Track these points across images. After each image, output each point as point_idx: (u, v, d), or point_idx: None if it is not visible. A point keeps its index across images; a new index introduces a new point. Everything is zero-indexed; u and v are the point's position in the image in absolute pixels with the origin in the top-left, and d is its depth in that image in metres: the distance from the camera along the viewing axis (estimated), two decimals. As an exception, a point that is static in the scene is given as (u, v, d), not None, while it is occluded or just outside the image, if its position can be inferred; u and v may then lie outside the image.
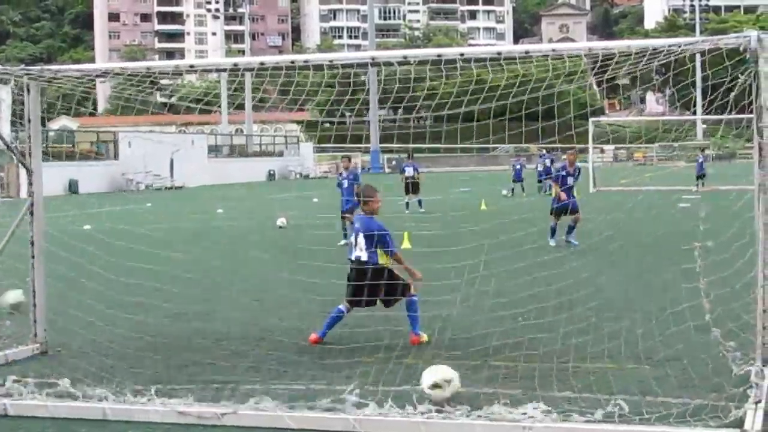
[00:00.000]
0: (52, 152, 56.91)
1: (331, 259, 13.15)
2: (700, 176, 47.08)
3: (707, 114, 65.57)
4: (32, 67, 10.64)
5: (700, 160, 48.62)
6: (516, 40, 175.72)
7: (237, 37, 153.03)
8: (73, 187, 58.95)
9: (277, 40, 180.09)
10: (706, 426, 7.08)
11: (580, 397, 8.05)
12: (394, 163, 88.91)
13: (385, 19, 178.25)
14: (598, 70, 9.58)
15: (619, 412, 7.40)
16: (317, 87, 10.94)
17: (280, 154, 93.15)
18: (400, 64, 10.29)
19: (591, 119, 53.92)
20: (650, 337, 10.08)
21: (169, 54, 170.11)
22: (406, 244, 19.79)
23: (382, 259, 10.52)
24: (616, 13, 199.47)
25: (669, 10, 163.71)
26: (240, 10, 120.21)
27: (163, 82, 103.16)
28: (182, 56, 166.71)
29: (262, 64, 9.98)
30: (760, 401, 7.40)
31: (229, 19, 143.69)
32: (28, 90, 10.51)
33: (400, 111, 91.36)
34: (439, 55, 9.67)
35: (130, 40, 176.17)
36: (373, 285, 10.33)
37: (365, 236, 10.51)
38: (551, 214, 21.14)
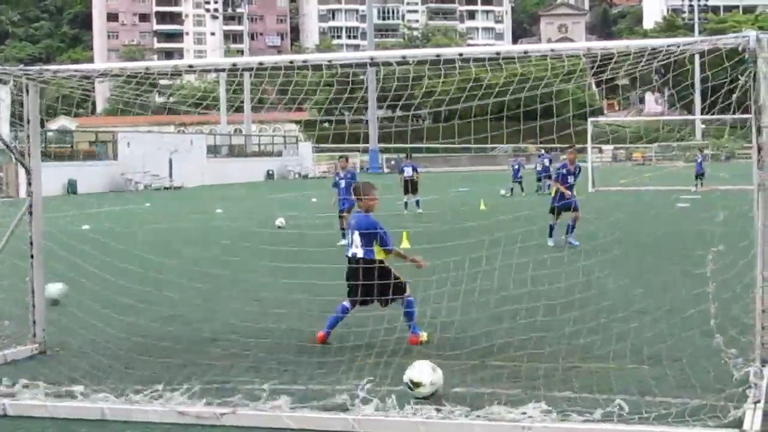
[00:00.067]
0: (51, 152, 56.89)
1: (331, 259, 13.15)
2: (699, 176, 47.15)
3: (706, 114, 65.60)
4: (31, 67, 10.64)
5: (699, 160, 48.70)
6: (515, 40, 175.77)
7: (236, 37, 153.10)
8: (71, 187, 58.92)
9: (276, 40, 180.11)
10: (705, 426, 7.08)
11: (579, 397, 8.05)
12: (392, 163, 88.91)
13: (383, 19, 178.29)
14: (597, 70, 9.58)
15: (618, 412, 7.40)
16: (316, 87, 10.94)
17: (279, 154, 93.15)
18: (398, 64, 10.30)
19: (590, 119, 53.93)
20: (649, 337, 10.08)
21: (168, 54, 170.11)
22: (405, 244, 19.79)
23: (379, 256, 10.52)
24: (614, 13, 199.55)
25: (668, 10, 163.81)
26: (239, 10, 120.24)
27: (162, 82, 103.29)
28: (181, 56, 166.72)
29: (260, 64, 9.98)
30: (759, 401, 7.41)
31: (228, 19, 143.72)
32: (27, 90, 10.51)
33: (398, 111, 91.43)
34: (438, 55, 9.67)
35: (128, 40, 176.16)
36: (370, 281, 10.32)
37: (361, 234, 10.51)
38: (551, 212, 21.12)
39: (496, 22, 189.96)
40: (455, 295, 11.83)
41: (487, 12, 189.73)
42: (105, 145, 69.35)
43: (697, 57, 9.33)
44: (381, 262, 10.52)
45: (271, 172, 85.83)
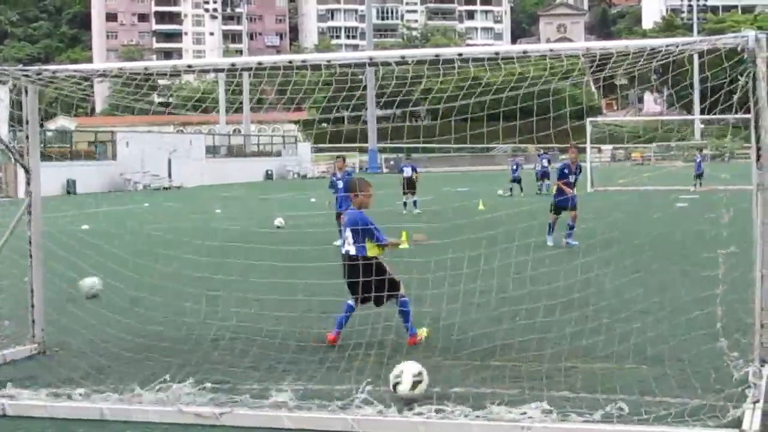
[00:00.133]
0: (50, 152, 56.88)
1: (329, 259, 13.13)
2: (698, 176, 47.18)
3: (705, 114, 65.65)
4: (30, 67, 10.64)
5: (698, 160, 48.74)
6: (514, 40, 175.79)
7: (235, 37, 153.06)
8: (70, 187, 58.90)
9: (275, 40, 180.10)
10: (704, 426, 7.08)
11: (578, 397, 8.06)
12: (391, 162, 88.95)
13: (382, 19, 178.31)
14: (596, 70, 9.58)
15: (617, 412, 7.40)
16: (315, 87, 10.93)
17: (278, 154, 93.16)
18: (398, 64, 10.29)
19: (589, 119, 53.93)
20: (649, 337, 10.08)
21: (167, 54, 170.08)
22: (404, 244, 19.79)
23: (371, 252, 10.50)
24: (614, 13, 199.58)
25: (667, 10, 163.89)
26: (238, 10, 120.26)
27: (161, 82, 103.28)
28: (180, 56, 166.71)
29: (259, 64, 9.97)
30: (758, 401, 7.41)
31: (227, 19, 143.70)
32: (26, 91, 10.50)
33: (397, 111, 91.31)
34: (437, 55, 9.66)
35: (127, 40, 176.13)
36: (365, 278, 10.30)
37: (353, 230, 10.50)
38: (551, 211, 21.11)
39: (495, 22, 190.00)
40: (455, 295, 11.83)
41: (486, 12, 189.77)
42: (104, 145, 69.31)
43: (696, 57, 9.34)
44: (375, 258, 10.50)
45: (270, 172, 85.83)
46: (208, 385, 8.67)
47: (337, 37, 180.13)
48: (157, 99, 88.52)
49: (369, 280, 10.29)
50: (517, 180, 45.78)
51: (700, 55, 8.94)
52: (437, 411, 7.65)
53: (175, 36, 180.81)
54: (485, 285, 12.24)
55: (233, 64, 10.46)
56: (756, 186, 8.30)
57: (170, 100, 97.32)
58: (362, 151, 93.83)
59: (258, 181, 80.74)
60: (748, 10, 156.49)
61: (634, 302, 12.30)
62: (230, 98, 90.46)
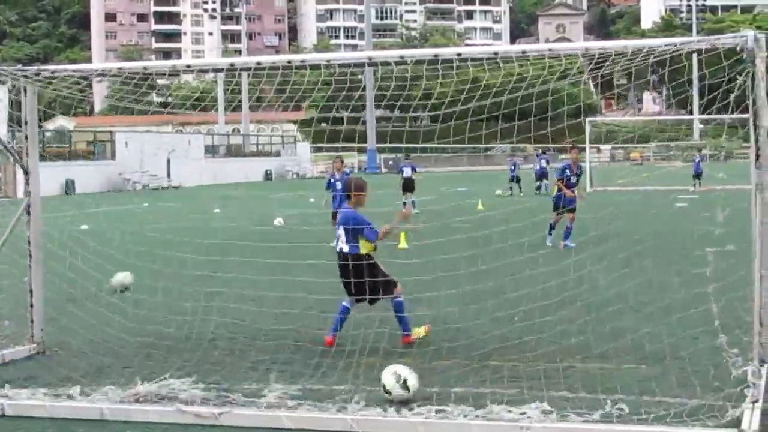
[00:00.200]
0: (49, 152, 56.85)
1: (328, 258, 13.14)
2: (697, 176, 47.21)
3: (704, 114, 65.68)
4: (29, 67, 10.63)
5: (697, 160, 48.80)
6: (513, 40, 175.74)
7: (234, 36, 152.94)
8: (69, 187, 58.87)
9: (274, 40, 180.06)
10: (703, 426, 7.09)
11: (578, 397, 8.06)
12: (390, 162, 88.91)
13: (381, 19, 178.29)
14: (595, 68, 9.59)
15: (617, 412, 7.41)
16: (314, 86, 10.94)
17: (277, 154, 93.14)
18: (397, 64, 10.29)
19: (588, 119, 53.92)
20: (648, 336, 10.08)
21: (166, 54, 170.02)
22: (402, 244, 19.80)
23: (364, 249, 10.49)
24: (612, 13, 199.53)
25: (666, 10, 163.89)
26: (237, 10, 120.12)
27: (160, 82, 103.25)
28: (179, 56, 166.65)
29: (259, 64, 9.98)
30: (757, 401, 7.42)
31: (226, 18, 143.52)
32: (25, 91, 10.50)
33: (396, 111, 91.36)
34: (436, 55, 9.67)
35: (126, 40, 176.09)
36: (358, 277, 10.28)
37: (346, 229, 10.49)
38: (554, 210, 21.09)
39: (494, 22, 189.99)
40: (453, 295, 11.85)
41: (485, 12, 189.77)
42: (103, 144, 69.26)
43: (695, 57, 9.34)
44: (368, 257, 10.48)
45: (269, 172, 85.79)
46: (208, 384, 8.68)
47: (336, 37, 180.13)
48: (156, 99, 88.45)
49: (360, 282, 10.27)
50: (515, 179, 45.78)
51: (699, 54, 8.94)
52: (437, 411, 7.65)
53: (174, 36, 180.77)
54: (484, 284, 12.25)
55: (232, 64, 10.47)
56: (755, 186, 8.31)
57: (169, 99, 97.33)
58: (361, 151, 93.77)
59: (257, 181, 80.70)
60: (747, 10, 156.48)
61: (632, 302, 12.31)
62: (229, 96, 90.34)
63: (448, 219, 24.55)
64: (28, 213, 10.65)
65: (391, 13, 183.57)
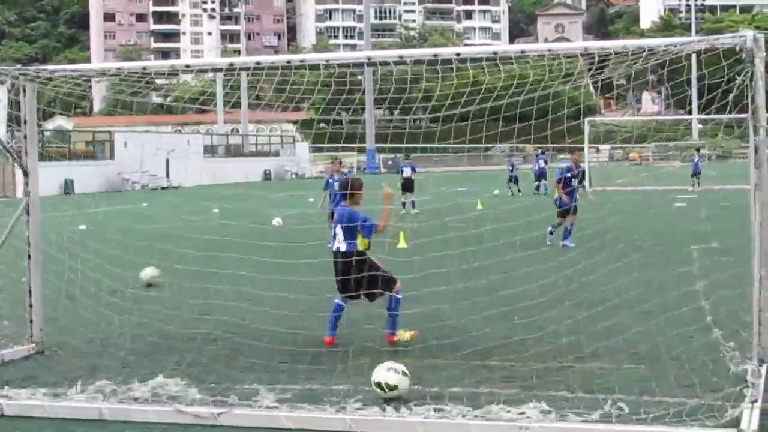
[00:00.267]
0: (48, 152, 56.81)
1: (327, 258, 13.13)
2: (696, 175, 47.19)
3: (703, 114, 65.67)
4: (28, 67, 10.63)
5: (696, 160, 48.80)
6: (512, 40, 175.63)
7: (233, 36, 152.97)
8: (68, 187, 58.84)
9: (273, 40, 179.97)
10: (702, 426, 7.09)
11: (577, 396, 8.06)
12: (390, 162, 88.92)
13: (380, 19, 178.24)
14: (595, 70, 9.59)
15: (616, 412, 7.41)
16: (313, 86, 10.93)
17: (276, 154, 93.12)
18: (396, 64, 10.29)
19: (587, 119, 53.90)
20: (647, 336, 10.09)
21: (165, 54, 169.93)
22: (402, 244, 19.80)
23: (362, 246, 10.50)
24: (611, 13, 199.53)
25: (665, 10, 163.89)
26: (236, 9, 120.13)
27: (159, 82, 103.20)
28: (178, 56, 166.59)
29: (258, 63, 9.98)
30: (756, 401, 7.42)
31: (225, 18, 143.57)
32: (24, 91, 10.50)
33: (396, 111, 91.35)
34: (435, 55, 9.66)
35: (125, 40, 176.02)
36: (356, 274, 10.27)
37: (345, 227, 10.48)
38: (558, 215, 21.07)
39: (493, 21, 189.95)
40: (453, 294, 11.84)
41: (484, 12, 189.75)
42: (102, 144, 69.24)
43: (694, 57, 9.35)
44: (366, 254, 10.48)
45: (268, 172, 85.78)
46: (206, 384, 8.68)
47: (335, 37, 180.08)
48: (155, 98, 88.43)
49: (360, 277, 10.25)
50: (513, 180, 45.77)
51: (698, 54, 8.95)
52: (435, 411, 7.65)
53: (173, 36, 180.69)
54: (483, 284, 12.25)
55: (231, 64, 10.47)
56: (753, 186, 8.31)
57: (168, 100, 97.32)
58: (360, 151, 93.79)
59: (256, 180, 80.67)
60: (746, 9, 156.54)
61: (631, 302, 12.31)
62: (229, 93, 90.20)
63: (447, 218, 24.55)
64: (27, 213, 10.65)
65: (390, 13, 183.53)
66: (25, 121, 10.58)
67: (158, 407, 8.08)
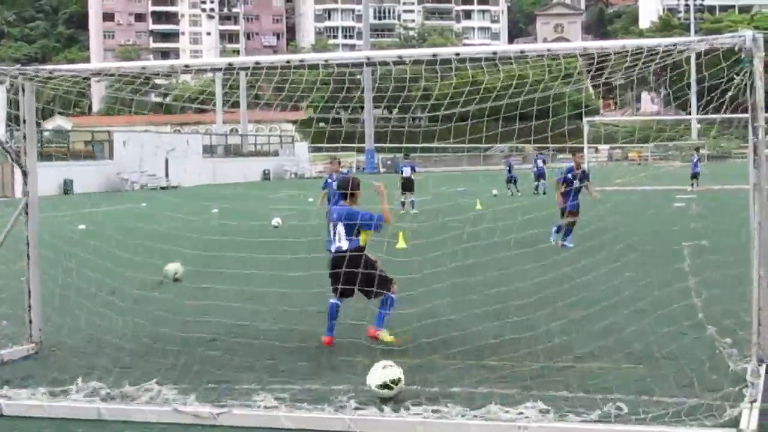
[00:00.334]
0: (47, 152, 56.81)
1: (326, 259, 13.13)
2: (695, 175, 47.18)
3: (702, 114, 65.70)
4: (27, 66, 10.63)
5: (695, 160, 48.79)
6: (511, 40, 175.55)
7: (232, 36, 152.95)
8: (67, 186, 58.82)
9: (272, 40, 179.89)
10: (701, 425, 7.09)
11: (575, 396, 8.06)
12: (389, 162, 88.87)
13: (380, 18, 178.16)
14: (594, 70, 9.59)
15: (615, 411, 7.41)
16: (312, 86, 10.93)
17: (275, 154, 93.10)
18: (395, 63, 10.29)
19: (586, 119, 53.92)
20: (646, 336, 10.09)
21: (164, 54, 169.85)
22: (401, 244, 19.79)
23: (363, 242, 10.51)
24: (610, 13, 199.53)
25: (664, 10, 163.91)
26: (235, 9, 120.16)
27: (158, 81, 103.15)
28: (177, 56, 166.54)
29: (257, 63, 9.98)
30: (755, 400, 7.42)
31: (224, 18, 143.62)
32: (23, 90, 10.50)
33: (395, 110, 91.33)
34: (434, 55, 9.66)
35: (124, 39, 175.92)
36: (354, 271, 10.25)
37: (346, 225, 10.47)
38: (562, 215, 21.07)
39: (492, 21, 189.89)
40: (451, 294, 11.84)
41: (483, 12, 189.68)
42: (101, 144, 69.22)
43: (693, 57, 9.35)
44: (364, 249, 10.48)
45: (267, 172, 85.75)
46: (206, 384, 8.68)
47: (335, 36, 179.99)
48: (154, 98, 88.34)
49: (357, 274, 10.21)
50: (512, 180, 45.77)
51: (697, 54, 8.95)
52: (434, 411, 7.65)
53: (172, 36, 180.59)
54: (482, 284, 12.25)
55: (230, 64, 10.47)
56: (752, 186, 8.31)
57: (167, 99, 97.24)
58: (359, 151, 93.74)
59: (255, 180, 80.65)
60: (745, 9, 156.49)
61: (630, 301, 12.30)
62: (228, 93, 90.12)
63: (447, 219, 24.57)
64: (26, 213, 10.65)
65: (389, 12, 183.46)
66: (24, 121, 10.58)
67: (157, 407, 8.08)
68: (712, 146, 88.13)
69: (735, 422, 7.07)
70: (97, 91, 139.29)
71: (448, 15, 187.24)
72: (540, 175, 45.68)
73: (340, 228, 10.52)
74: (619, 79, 10.26)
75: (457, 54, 9.71)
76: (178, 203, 44.88)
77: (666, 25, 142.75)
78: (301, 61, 9.87)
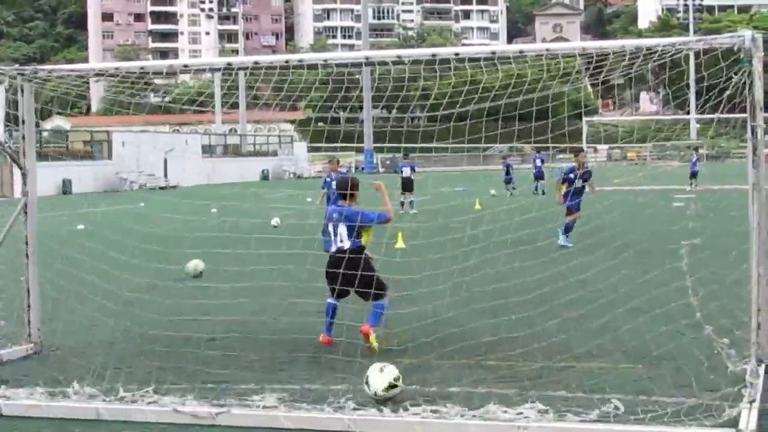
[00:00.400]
0: (46, 152, 56.77)
1: (325, 259, 13.12)
2: (693, 175, 47.16)
3: (701, 113, 65.75)
4: (26, 66, 10.63)
5: (694, 160, 48.78)
6: (510, 40, 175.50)
7: (231, 36, 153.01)
8: (66, 186, 58.80)
9: (271, 40, 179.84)
10: (700, 425, 7.09)
11: (575, 396, 8.06)
12: (388, 162, 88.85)
13: (378, 18, 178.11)
14: (593, 70, 9.59)
15: (614, 411, 7.41)
16: (311, 86, 10.92)
17: (274, 154, 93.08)
18: (394, 63, 10.29)
19: (585, 119, 53.91)
20: (644, 335, 10.09)
21: (163, 54, 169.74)
22: (400, 244, 19.80)
23: (364, 241, 10.52)
24: (609, 13, 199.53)
25: (662, 10, 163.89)
26: (234, 9, 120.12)
27: (157, 81, 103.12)
28: (176, 56, 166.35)
29: (256, 63, 9.98)
30: (754, 400, 7.42)
31: (223, 18, 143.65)
32: (22, 90, 10.49)
33: (394, 111, 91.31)
34: (433, 55, 9.67)
35: (123, 39, 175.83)
36: (356, 269, 10.23)
37: (348, 226, 10.45)
38: (567, 213, 21.08)
39: (491, 21, 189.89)
40: (450, 294, 11.84)
41: (482, 12, 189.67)
42: (100, 144, 69.20)
43: (692, 56, 9.35)
44: (363, 249, 10.48)
45: (266, 172, 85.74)
46: (205, 384, 8.68)
47: (333, 36, 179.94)
48: (153, 98, 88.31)
49: (355, 275, 10.18)
50: (510, 182, 45.77)
51: (696, 54, 8.95)
52: (433, 411, 7.65)
53: (171, 36, 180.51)
54: (481, 284, 12.25)
55: (229, 64, 10.47)
56: (751, 186, 8.32)
57: (166, 99, 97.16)
58: (358, 150, 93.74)
59: (254, 180, 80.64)
60: (744, 9, 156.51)
61: (629, 301, 12.31)
62: (227, 93, 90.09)
63: (446, 219, 24.58)
64: (25, 213, 10.64)
65: (388, 12, 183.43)
66: (23, 121, 10.58)
67: (157, 407, 8.07)
68: (710, 146, 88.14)
69: (734, 422, 7.07)
70: (96, 92, 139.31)
71: (447, 15, 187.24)
72: (539, 175, 45.67)
73: (342, 228, 10.50)
74: (617, 77, 10.25)
75: (456, 54, 9.70)
76: (177, 203, 44.87)
77: (665, 25, 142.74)
78: (300, 61, 9.87)
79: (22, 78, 10.40)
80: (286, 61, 9.80)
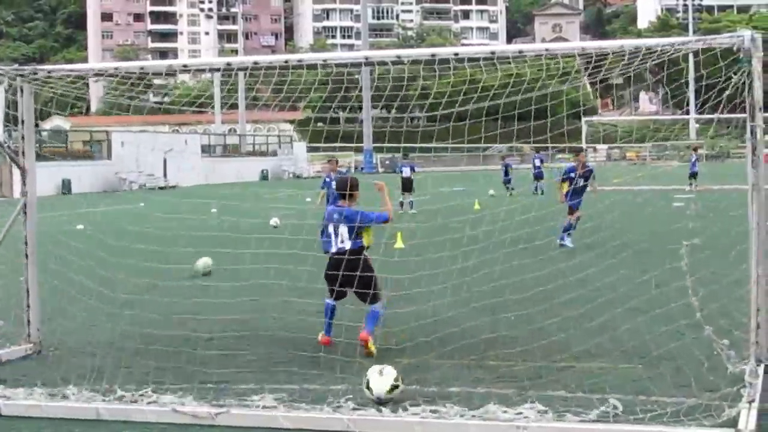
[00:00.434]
0: (45, 152, 56.76)
1: (325, 259, 13.12)
2: (693, 175, 47.13)
3: (700, 113, 65.76)
4: (25, 66, 10.63)
5: (693, 160, 48.75)
6: (509, 40, 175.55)
7: (230, 36, 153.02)
8: (65, 186, 58.80)
9: (271, 40, 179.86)
10: (700, 425, 7.09)
11: (574, 396, 8.06)
12: (387, 162, 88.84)
13: (378, 18, 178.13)
14: (592, 70, 9.59)
15: (613, 411, 7.41)
16: (310, 86, 10.92)
17: (274, 154, 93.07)
18: (393, 63, 10.29)
19: (584, 119, 53.90)
20: (643, 335, 10.09)
21: (163, 54, 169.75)
22: (399, 244, 19.80)
23: (366, 241, 10.51)
24: (608, 13, 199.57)
25: (662, 10, 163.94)
26: (233, 9, 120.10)
27: (157, 81, 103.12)
28: (175, 56, 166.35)
29: (255, 63, 9.98)
30: (753, 400, 7.42)
31: (222, 18, 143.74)
32: (22, 91, 10.49)
33: (393, 109, 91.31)
34: (432, 55, 9.67)
35: (123, 39, 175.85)
36: (356, 270, 10.21)
37: (350, 226, 10.43)
38: (569, 213, 21.08)
39: (491, 21, 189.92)
40: (449, 294, 11.84)
41: (482, 12, 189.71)
42: (99, 144, 69.18)
43: (691, 56, 9.35)
44: (364, 250, 10.47)
45: (265, 172, 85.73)
46: (204, 384, 8.68)
47: (333, 36, 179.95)
48: (152, 98, 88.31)
49: (355, 275, 10.16)
50: (508, 183, 45.77)
51: (696, 54, 8.95)
52: (433, 411, 7.65)
53: (170, 36, 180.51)
54: (480, 284, 12.24)
55: (229, 64, 10.46)
56: (751, 186, 8.32)
57: (166, 99, 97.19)
58: (358, 150, 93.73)
59: (253, 180, 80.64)
60: (743, 9, 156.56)
61: (629, 301, 12.31)
62: (226, 94, 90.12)
63: (445, 219, 24.58)
64: (25, 213, 10.64)
65: (387, 12, 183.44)
66: (23, 121, 10.58)
67: (156, 407, 8.08)
68: (710, 146, 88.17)
69: (733, 422, 7.07)
70: (96, 92, 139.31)
71: (447, 15, 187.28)
72: (539, 175, 45.66)
73: (343, 229, 10.47)
74: (616, 75, 10.26)
75: (456, 54, 9.70)
76: (176, 203, 44.86)
77: (664, 25, 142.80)
78: (299, 60, 9.87)
79: (22, 79, 10.40)
80: (286, 61, 9.81)
